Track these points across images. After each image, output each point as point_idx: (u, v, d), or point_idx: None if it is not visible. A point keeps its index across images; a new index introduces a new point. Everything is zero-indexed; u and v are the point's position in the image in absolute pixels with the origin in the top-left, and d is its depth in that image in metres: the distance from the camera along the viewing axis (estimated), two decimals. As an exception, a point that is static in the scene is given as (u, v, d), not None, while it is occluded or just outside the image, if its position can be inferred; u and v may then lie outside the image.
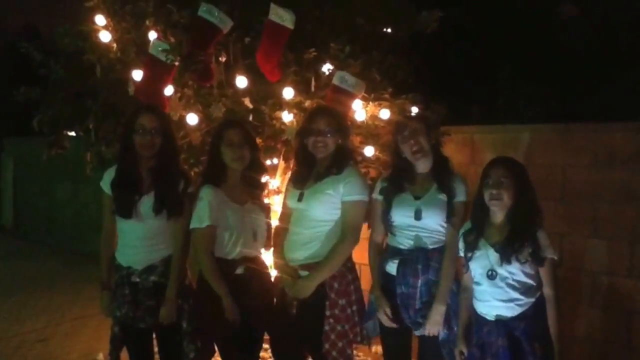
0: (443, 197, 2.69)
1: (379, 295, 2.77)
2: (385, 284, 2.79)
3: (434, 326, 2.65)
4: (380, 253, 2.88)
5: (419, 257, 2.68)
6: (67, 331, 4.91)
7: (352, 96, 3.36)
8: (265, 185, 3.22)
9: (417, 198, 2.73)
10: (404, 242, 2.74)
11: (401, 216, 2.73)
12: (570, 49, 6.53)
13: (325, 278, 2.69)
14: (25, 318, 5.24)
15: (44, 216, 9.44)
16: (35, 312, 5.42)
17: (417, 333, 2.72)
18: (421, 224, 2.69)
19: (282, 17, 3.28)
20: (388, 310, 2.73)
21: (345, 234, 2.70)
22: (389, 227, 2.80)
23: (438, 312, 2.64)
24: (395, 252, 2.76)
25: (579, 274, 3.69)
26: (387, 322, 2.75)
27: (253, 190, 2.91)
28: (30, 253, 8.41)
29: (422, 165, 2.77)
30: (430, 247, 2.70)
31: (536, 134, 3.94)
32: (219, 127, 2.94)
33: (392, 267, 2.76)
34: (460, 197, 2.70)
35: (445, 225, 2.69)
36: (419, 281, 2.67)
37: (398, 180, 2.80)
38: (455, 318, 2.68)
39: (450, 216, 2.68)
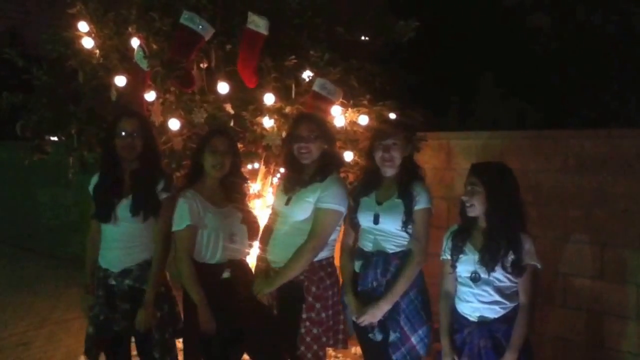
0: (401, 204, 2.71)
1: (349, 296, 2.83)
2: (353, 281, 2.86)
3: (367, 316, 2.68)
4: (352, 255, 2.93)
5: (378, 260, 2.74)
6: (48, 335, 4.89)
7: (331, 102, 3.45)
8: (247, 190, 3.23)
9: (379, 203, 2.79)
10: (366, 244, 2.83)
11: (363, 219, 2.81)
12: (542, 57, 6.66)
13: (286, 280, 2.72)
14: (6, 322, 5.20)
15: (24, 220, 9.35)
16: (17, 316, 5.38)
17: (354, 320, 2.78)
18: (379, 228, 2.76)
19: (258, 24, 3.36)
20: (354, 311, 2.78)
21: (310, 238, 2.70)
22: (356, 228, 2.88)
23: (379, 308, 2.67)
24: (360, 253, 2.86)
25: (550, 275, 3.78)
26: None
27: (233, 194, 2.91)
28: (11, 257, 8.31)
29: (389, 171, 2.82)
30: (390, 251, 2.75)
31: (508, 141, 4.03)
32: (207, 134, 2.97)
33: (357, 267, 2.85)
34: (421, 204, 2.71)
35: (405, 232, 2.72)
36: (381, 285, 2.72)
37: (366, 183, 2.89)
38: (409, 324, 2.69)
39: (408, 223, 2.70)
